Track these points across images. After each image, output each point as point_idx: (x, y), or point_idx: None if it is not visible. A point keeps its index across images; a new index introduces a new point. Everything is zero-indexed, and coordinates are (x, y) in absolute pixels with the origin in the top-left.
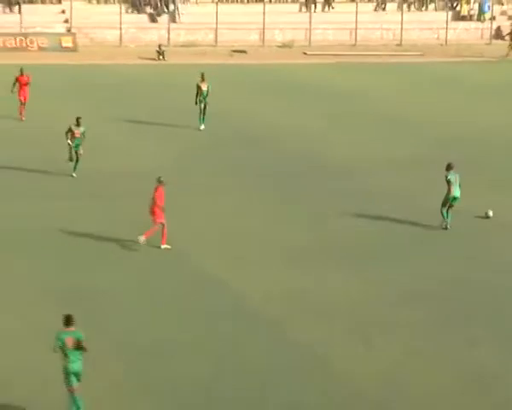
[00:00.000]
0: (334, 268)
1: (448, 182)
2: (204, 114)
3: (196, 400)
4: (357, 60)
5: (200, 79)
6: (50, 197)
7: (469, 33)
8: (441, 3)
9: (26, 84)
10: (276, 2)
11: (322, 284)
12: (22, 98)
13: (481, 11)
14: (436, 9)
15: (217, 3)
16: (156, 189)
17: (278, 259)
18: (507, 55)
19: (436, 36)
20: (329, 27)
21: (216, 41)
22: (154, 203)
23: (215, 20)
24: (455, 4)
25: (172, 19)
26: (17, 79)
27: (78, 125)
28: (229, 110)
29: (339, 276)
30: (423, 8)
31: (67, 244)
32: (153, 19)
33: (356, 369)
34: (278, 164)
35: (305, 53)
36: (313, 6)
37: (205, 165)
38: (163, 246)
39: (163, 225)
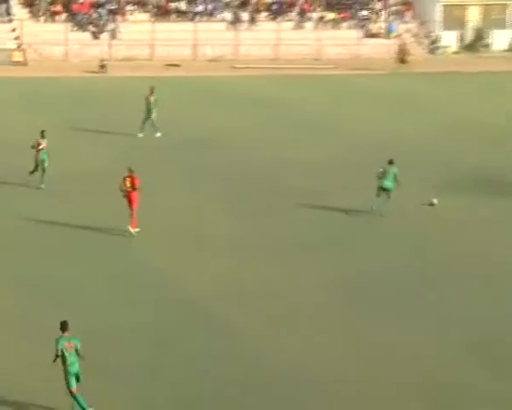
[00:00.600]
0: (266, 259)
1: (381, 173)
2: (144, 123)
3: (142, 381)
4: (278, 72)
5: (149, 92)
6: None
7: (378, 49)
8: (353, 22)
9: None
10: (206, 20)
11: (253, 273)
12: None
13: (389, 30)
14: (349, 28)
15: (153, 22)
16: (124, 179)
17: (217, 251)
18: (395, 68)
19: (349, 51)
20: (254, 43)
21: (152, 56)
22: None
23: (151, 37)
24: (366, 23)
25: (113, 36)
26: None
27: (43, 137)
28: (165, 118)
29: (270, 266)
30: (337, 27)
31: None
32: (95, 36)
33: (268, 349)
34: (216, 165)
35: (232, 66)
36: (239, 24)
37: (149, 167)
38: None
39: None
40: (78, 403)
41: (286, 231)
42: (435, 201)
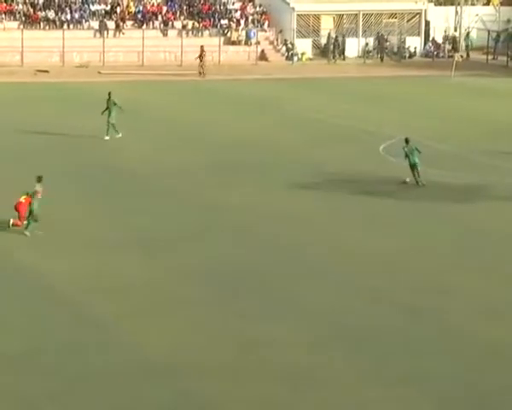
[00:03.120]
0: (130, 254)
1: (406, 153)
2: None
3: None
4: (144, 78)
5: (107, 96)
6: None
7: (239, 55)
8: (214, 30)
9: None
10: (73, 28)
11: (117, 267)
12: None
13: (248, 37)
14: (210, 35)
15: (22, 30)
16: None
17: (85, 247)
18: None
19: (211, 57)
20: (120, 50)
21: (22, 62)
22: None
23: (21, 44)
24: (226, 31)
25: None
26: None
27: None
28: (34, 120)
29: (134, 261)
30: (199, 34)
31: None
32: None
33: (145, 340)
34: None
35: (99, 72)
36: (106, 32)
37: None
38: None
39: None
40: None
41: (150, 229)
42: (408, 179)
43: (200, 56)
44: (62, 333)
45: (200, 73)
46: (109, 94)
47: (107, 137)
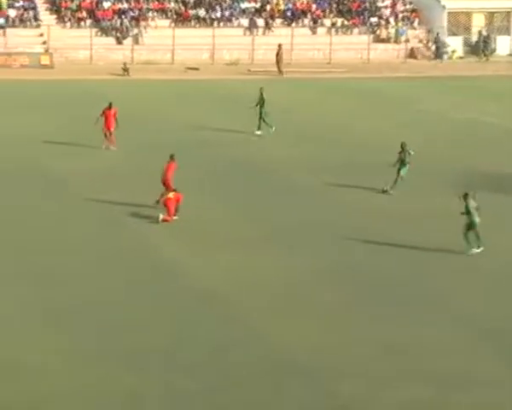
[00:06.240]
0: (269, 252)
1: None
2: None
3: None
4: (293, 76)
5: (259, 92)
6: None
7: (387, 53)
8: (364, 28)
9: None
10: (223, 26)
11: (257, 266)
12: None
13: (399, 35)
14: (359, 33)
15: (173, 28)
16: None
17: (227, 244)
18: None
19: (360, 56)
20: (269, 48)
21: (173, 60)
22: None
23: (172, 42)
24: (375, 29)
25: (135, 41)
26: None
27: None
28: (184, 117)
29: (274, 259)
30: (348, 32)
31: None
32: (119, 41)
33: (285, 339)
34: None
35: (248, 70)
36: (255, 30)
37: None
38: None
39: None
40: None
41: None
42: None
43: (278, 55)
44: (205, 330)
45: (279, 71)
46: (261, 89)
47: (258, 132)
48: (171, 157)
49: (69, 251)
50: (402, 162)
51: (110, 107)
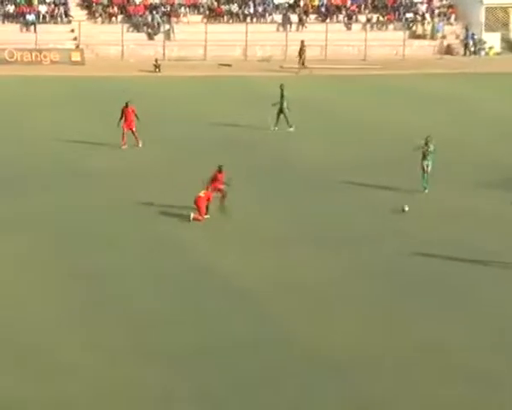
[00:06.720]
0: (307, 251)
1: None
2: (278, 117)
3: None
4: (327, 72)
5: (280, 90)
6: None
7: (423, 49)
8: (399, 24)
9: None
10: (256, 22)
11: (294, 265)
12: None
13: (436, 31)
14: (395, 29)
15: (206, 23)
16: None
17: (263, 243)
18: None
19: (395, 52)
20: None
21: (205, 56)
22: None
23: (204, 38)
24: (411, 25)
25: (167, 37)
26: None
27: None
28: (215, 114)
29: (311, 258)
30: (384, 28)
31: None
32: (150, 37)
33: (320, 337)
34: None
35: (281, 66)
36: (289, 26)
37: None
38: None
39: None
40: None
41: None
42: (406, 208)
43: (300, 51)
44: (237, 329)
45: (300, 68)
46: (281, 86)
47: (290, 129)
48: (220, 168)
49: (101, 249)
50: (424, 156)
51: (127, 105)
